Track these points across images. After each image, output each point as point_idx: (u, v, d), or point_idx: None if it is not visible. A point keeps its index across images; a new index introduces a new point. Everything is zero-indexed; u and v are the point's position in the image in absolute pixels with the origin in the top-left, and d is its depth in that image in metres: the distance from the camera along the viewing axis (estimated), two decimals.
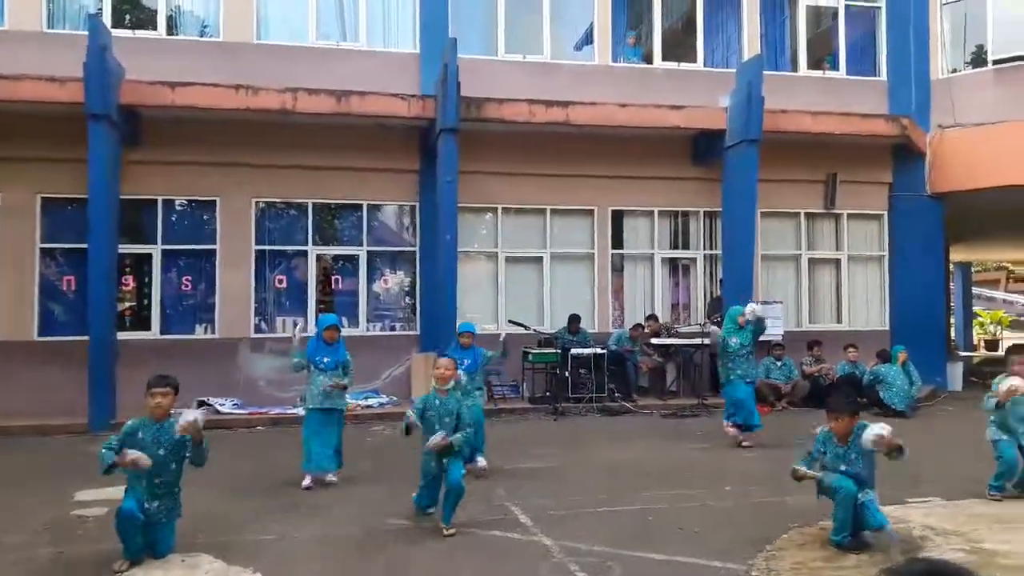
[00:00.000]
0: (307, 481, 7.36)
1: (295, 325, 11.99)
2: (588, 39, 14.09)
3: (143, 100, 11.38)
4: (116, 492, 6.21)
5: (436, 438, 5.92)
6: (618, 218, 14.00)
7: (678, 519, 6.19)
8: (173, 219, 12.62)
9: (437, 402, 6.11)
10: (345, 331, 12.72)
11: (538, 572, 5.03)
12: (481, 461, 7.88)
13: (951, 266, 25.68)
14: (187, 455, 5.32)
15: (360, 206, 13.12)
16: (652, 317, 13.71)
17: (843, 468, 5.49)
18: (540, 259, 13.65)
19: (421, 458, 6.13)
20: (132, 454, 4.99)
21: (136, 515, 5.04)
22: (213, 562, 5.18)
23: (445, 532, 5.81)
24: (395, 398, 12.34)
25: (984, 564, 4.97)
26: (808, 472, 5.61)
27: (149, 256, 12.40)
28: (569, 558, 5.25)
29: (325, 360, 7.56)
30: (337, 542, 5.67)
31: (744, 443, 9.28)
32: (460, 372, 7.09)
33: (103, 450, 5.13)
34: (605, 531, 5.83)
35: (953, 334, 26.47)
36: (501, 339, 8.67)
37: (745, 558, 5.17)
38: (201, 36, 12.84)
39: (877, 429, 5.34)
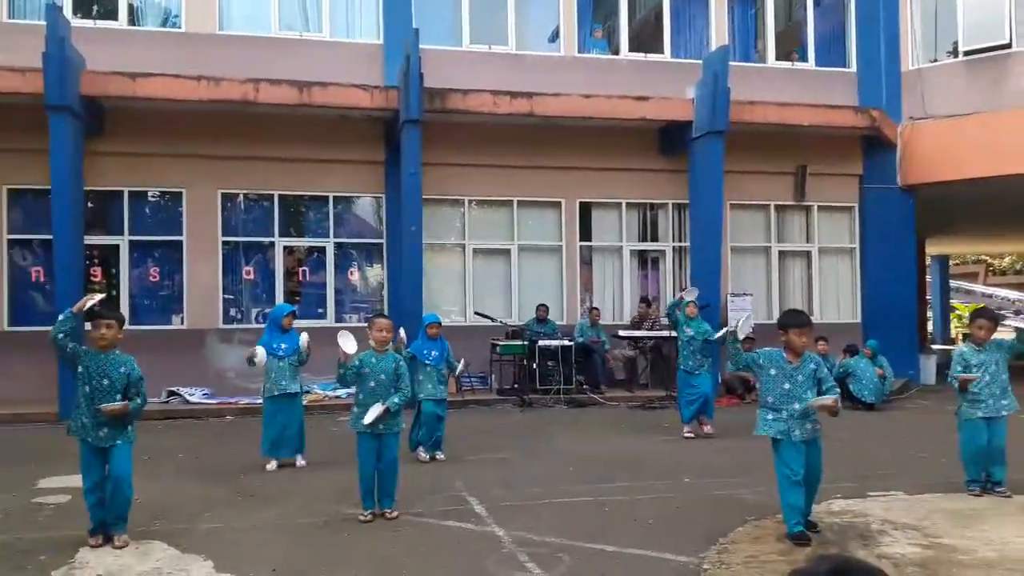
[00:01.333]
0: (272, 464, 7.67)
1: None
2: (557, 31, 14.03)
3: (105, 91, 11.26)
4: (79, 480, 6.20)
5: (373, 411, 5.82)
6: (586, 210, 13.98)
7: (634, 511, 6.16)
8: (142, 210, 12.55)
9: (374, 360, 5.99)
10: (314, 323, 12.85)
11: (486, 563, 5.00)
12: (423, 454, 8.06)
13: (928, 259, 25.85)
14: (129, 396, 5.31)
15: (326, 198, 13.05)
16: (644, 301, 13.73)
17: (787, 386, 5.30)
18: (508, 251, 13.63)
19: (358, 447, 6.04)
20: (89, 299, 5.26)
21: (97, 493, 5.30)
22: (166, 550, 5.17)
23: (388, 515, 5.90)
24: None
25: (942, 560, 4.89)
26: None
27: (116, 247, 12.33)
28: (520, 548, 5.22)
29: (283, 347, 7.79)
30: (290, 530, 5.65)
31: (706, 429, 9.50)
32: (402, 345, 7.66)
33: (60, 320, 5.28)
34: (559, 522, 5.80)
35: (931, 327, 26.67)
36: (459, 367, 8.53)
37: (697, 551, 5.13)
38: (163, 26, 12.72)
39: (831, 396, 5.28)
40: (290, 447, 7.82)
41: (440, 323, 8.33)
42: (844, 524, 5.71)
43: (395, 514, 5.91)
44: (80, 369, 5.27)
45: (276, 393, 7.76)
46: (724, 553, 5.13)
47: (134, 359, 5.39)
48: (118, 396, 5.26)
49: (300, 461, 7.80)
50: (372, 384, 5.95)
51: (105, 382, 5.25)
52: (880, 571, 1.58)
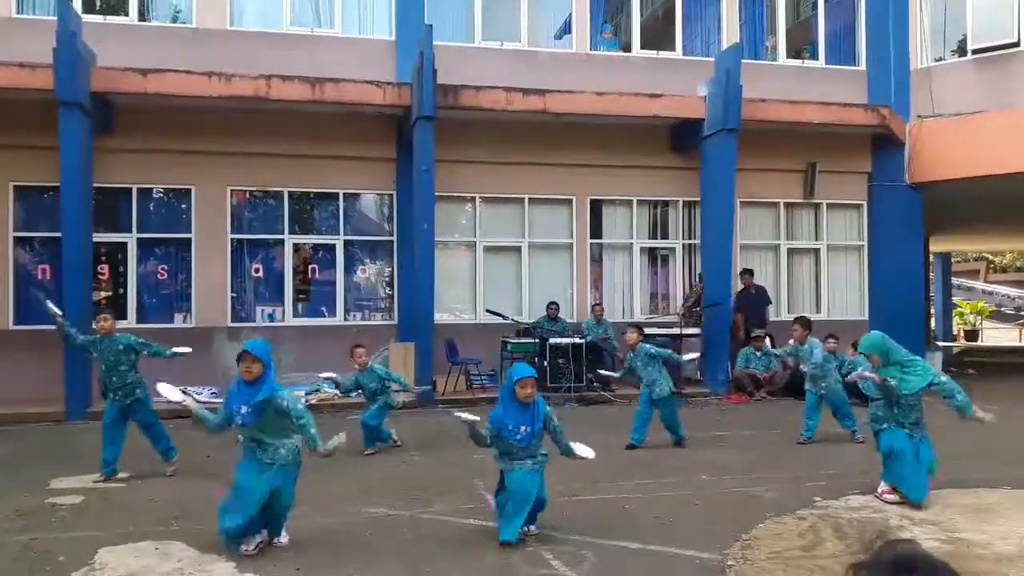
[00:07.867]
0: (251, 546, 5.10)
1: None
2: (568, 27, 14.01)
3: (115, 87, 11.21)
4: (90, 481, 7.08)
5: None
6: (597, 207, 13.96)
7: (653, 508, 6.18)
8: (149, 207, 12.48)
9: (362, 377, 8.51)
10: (323, 321, 12.80)
11: (512, 560, 4.99)
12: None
13: (931, 256, 25.84)
14: (135, 357, 7.26)
15: (337, 195, 13.01)
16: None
17: (637, 364, 8.78)
18: (518, 249, 13.61)
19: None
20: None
21: (114, 420, 7.20)
22: (186, 550, 5.17)
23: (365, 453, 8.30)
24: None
25: (962, 554, 4.91)
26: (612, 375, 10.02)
27: (124, 245, 12.27)
28: (544, 547, 5.23)
29: (243, 411, 4.98)
30: (310, 530, 5.63)
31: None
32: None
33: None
34: (581, 520, 5.82)
35: (932, 324, 26.67)
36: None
37: (720, 548, 5.16)
38: (174, 22, 12.66)
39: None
40: (254, 525, 5.09)
41: (536, 377, 5.45)
42: (863, 519, 5.75)
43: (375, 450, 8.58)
44: (95, 354, 7.31)
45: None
46: (747, 550, 5.16)
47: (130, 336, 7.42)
48: (123, 367, 7.18)
49: (281, 539, 5.27)
50: (366, 391, 8.52)
51: (111, 358, 7.18)
52: (945, 565, 1.53)
